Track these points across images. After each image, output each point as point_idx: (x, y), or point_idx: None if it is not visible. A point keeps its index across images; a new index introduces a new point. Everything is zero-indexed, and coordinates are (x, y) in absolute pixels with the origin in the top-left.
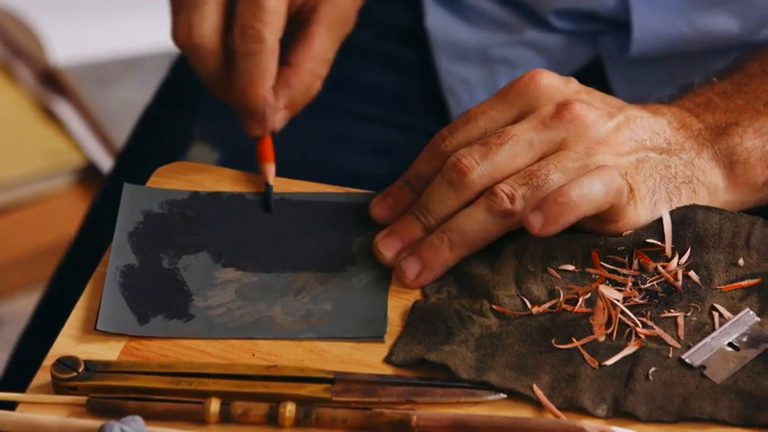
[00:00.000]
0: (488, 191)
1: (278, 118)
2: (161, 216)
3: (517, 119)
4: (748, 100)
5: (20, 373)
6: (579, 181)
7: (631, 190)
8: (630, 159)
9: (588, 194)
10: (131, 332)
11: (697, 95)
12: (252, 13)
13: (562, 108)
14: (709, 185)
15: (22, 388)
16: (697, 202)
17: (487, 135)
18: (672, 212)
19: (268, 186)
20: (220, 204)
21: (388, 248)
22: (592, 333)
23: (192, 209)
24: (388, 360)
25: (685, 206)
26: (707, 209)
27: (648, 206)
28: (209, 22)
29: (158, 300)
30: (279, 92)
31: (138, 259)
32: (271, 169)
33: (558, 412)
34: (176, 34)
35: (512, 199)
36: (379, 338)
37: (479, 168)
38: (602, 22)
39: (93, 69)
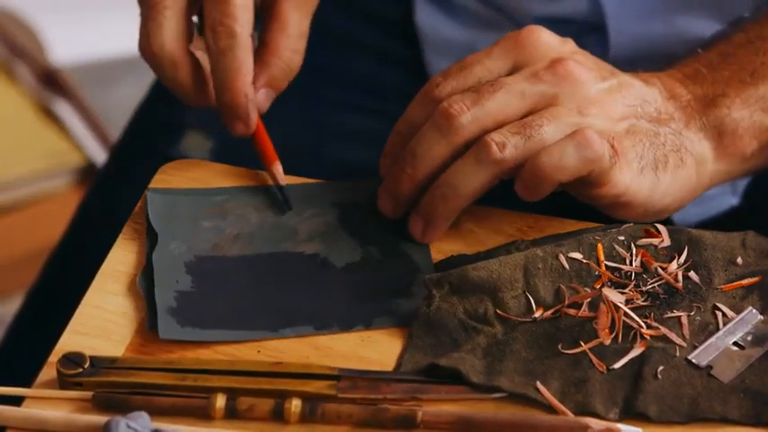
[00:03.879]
0: (478, 140)
1: (261, 99)
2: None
3: (512, 71)
4: (734, 71)
5: (5, 366)
6: (549, 149)
7: (615, 153)
8: (623, 125)
9: (560, 162)
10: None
11: (685, 66)
12: (220, 10)
13: (556, 63)
14: (697, 155)
15: (10, 381)
16: (684, 171)
17: (480, 83)
18: (666, 227)
19: (281, 188)
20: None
21: (385, 208)
22: (597, 337)
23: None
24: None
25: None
26: (698, 230)
27: (636, 170)
28: (168, 31)
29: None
30: (259, 73)
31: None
32: (278, 169)
33: (565, 410)
34: (139, 45)
35: (501, 147)
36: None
37: (469, 114)
38: (580, 25)
39: (93, 69)
